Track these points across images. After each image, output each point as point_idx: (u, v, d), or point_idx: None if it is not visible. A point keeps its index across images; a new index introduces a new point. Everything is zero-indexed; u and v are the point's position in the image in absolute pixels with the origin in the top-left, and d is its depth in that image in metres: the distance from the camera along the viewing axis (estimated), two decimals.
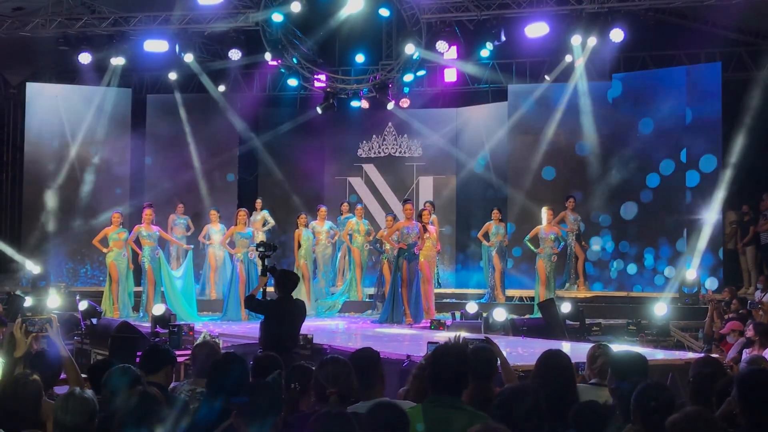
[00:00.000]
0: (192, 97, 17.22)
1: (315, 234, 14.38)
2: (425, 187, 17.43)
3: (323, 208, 14.87)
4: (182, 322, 10.54)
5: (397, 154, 17.64)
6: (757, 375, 3.70)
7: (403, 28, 15.44)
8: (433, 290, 13.43)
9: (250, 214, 14.67)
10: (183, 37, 15.34)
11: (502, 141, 16.52)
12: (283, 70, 16.31)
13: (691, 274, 13.35)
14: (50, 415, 3.84)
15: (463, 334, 6.08)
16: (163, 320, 10.21)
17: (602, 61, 15.38)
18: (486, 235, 14.42)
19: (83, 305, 11.04)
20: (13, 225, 17.45)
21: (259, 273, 8.43)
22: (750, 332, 8.62)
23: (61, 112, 16.68)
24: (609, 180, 15.40)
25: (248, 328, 10.89)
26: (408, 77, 15.87)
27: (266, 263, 8.44)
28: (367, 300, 14.59)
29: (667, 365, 7.80)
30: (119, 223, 13.40)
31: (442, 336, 8.72)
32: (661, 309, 11.51)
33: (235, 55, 15.37)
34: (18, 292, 12.55)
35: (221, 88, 16.86)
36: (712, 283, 13.82)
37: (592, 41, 14.21)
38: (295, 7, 14.59)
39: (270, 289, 8.24)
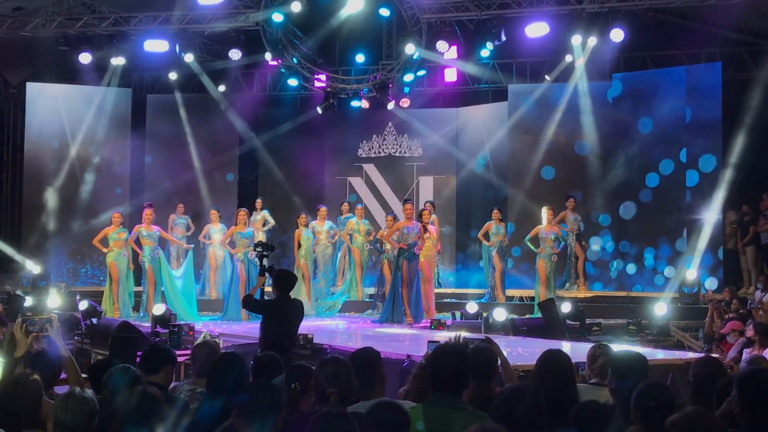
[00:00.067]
0: (192, 97, 17.22)
1: (315, 234, 14.38)
2: (425, 187, 17.43)
3: (323, 208, 14.87)
4: (182, 322, 10.54)
5: (397, 154, 17.64)
6: (757, 375, 3.70)
7: (404, 28, 15.44)
8: (434, 290, 13.43)
9: (250, 214, 14.67)
10: (183, 37, 15.34)
11: (502, 141, 16.51)
12: (283, 70, 16.31)
13: (691, 274, 13.35)
14: (50, 414, 3.84)
15: (464, 333, 6.08)
16: (163, 320, 10.21)
17: (602, 61, 15.38)
18: (486, 235, 14.42)
19: (83, 305, 11.04)
20: (13, 225, 17.46)
21: (258, 273, 8.45)
22: (750, 332, 8.62)
23: (61, 112, 16.69)
24: (609, 180, 15.41)
25: (248, 328, 10.89)
26: (408, 77, 15.87)
27: (264, 263, 8.45)
28: (367, 300, 14.59)
29: (667, 365, 7.80)
30: (119, 223, 13.40)
31: (443, 336, 8.72)
32: (661, 309, 11.52)
33: (235, 55, 15.37)
34: (18, 292, 12.54)
35: (221, 88, 16.86)
36: (712, 283, 13.82)
37: (593, 41, 14.21)
38: (296, 7, 14.59)
39: (269, 288, 8.24)
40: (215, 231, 14.55)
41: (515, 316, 11.82)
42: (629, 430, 3.72)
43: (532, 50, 15.58)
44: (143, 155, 17.41)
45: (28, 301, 11.74)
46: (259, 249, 8.78)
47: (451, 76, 16.63)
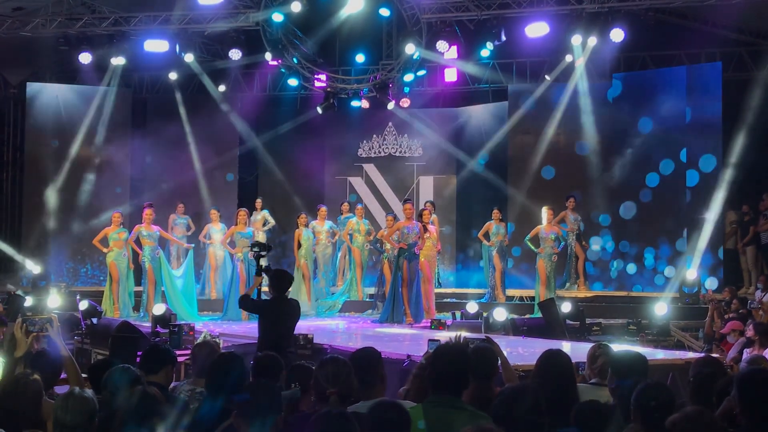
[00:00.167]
0: (192, 97, 17.22)
1: (315, 234, 14.38)
2: (425, 187, 17.43)
3: (323, 208, 14.87)
4: (182, 322, 10.54)
5: (397, 154, 17.64)
6: (757, 375, 3.70)
7: (404, 28, 15.43)
8: (434, 290, 13.44)
9: (251, 214, 14.67)
10: (183, 37, 15.34)
11: (502, 141, 16.52)
12: (283, 70, 16.30)
13: (691, 273, 13.35)
14: (51, 414, 3.84)
15: (464, 333, 6.08)
16: (163, 320, 10.22)
17: (602, 61, 15.37)
18: (486, 235, 14.43)
19: (83, 305, 11.05)
20: (13, 225, 17.45)
21: (255, 273, 8.46)
22: (750, 332, 8.62)
23: (61, 112, 16.71)
24: (609, 180, 15.42)
25: (248, 328, 10.89)
26: (408, 77, 15.87)
27: (261, 263, 8.46)
28: (367, 300, 14.59)
29: (668, 365, 7.80)
30: (119, 223, 13.39)
31: (443, 336, 8.73)
32: (661, 309, 11.52)
33: (235, 55, 15.36)
34: (18, 292, 12.56)
35: (221, 88, 16.86)
36: (712, 283, 13.83)
37: (593, 41, 14.21)
38: (296, 7, 14.58)
39: (267, 288, 8.24)
40: (215, 231, 14.56)
41: (515, 316, 11.82)
42: (628, 429, 3.72)
43: (532, 50, 15.58)
44: (143, 155, 17.42)
45: (29, 301, 11.75)
46: (256, 249, 8.79)
47: (451, 76, 16.63)
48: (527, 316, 12.81)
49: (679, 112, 14.90)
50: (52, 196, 16.34)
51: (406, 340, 10.28)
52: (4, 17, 15.22)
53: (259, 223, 15.51)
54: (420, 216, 12.86)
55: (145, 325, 10.77)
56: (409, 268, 12.39)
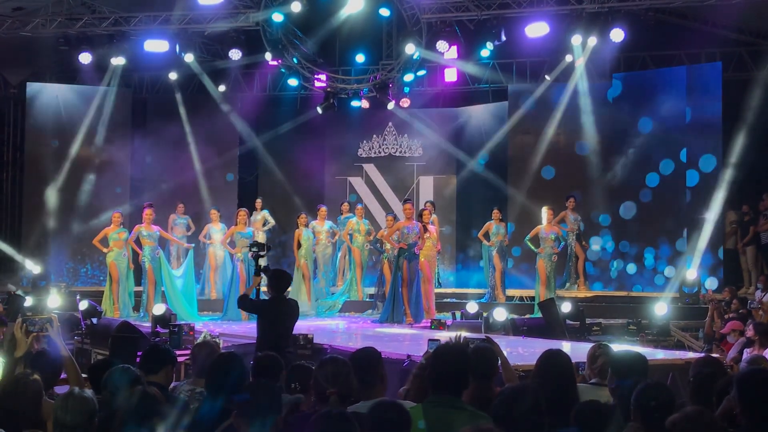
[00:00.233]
0: (192, 97, 17.22)
1: (315, 234, 14.38)
2: (425, 187, 17.43)
3: (323, 208, 14.87)
4: (182, 322, 10.54)
5: (397, 154, 17.64)
6: (757, 375, 3.70)
7: (404, 28, 15.43)
8: (434, 290, 13.43)
9: (251, 214, 14.67)
10: (183, 37, 15.33)
11: (502, 141, 16.52)
12: (283, 70, 16.30)
13: (691, 273, 13.35)
14: (51, 414, 3.85)
15: (464, 333, 6.08)
16: (163, 320, 10.21)
17: (602, 61, 15.37)
18: (486, 235, 14.43)
19: (83, 305, 11.05)
20: (13, 225, 17.45)
21: (253, 273, 8.47)
22: (750, 332, 8.62)
23: (61, 112, 16.71)
24: (609, 180, 15.42)
25: (248, 328, 10.87)
26: (408, 77, 15.86)
27: (260, 263, 8.47)
28: (367, 300, 14.59)
29: (668, 365, 7.80)
30: (119, 223, 13.39)
31: (443, 336, 8.73)
32: (661, 309, 11.52)
33: (235, 55, 15.36)
34: (18, 292, 12.56)
35: (221, 88, 16.86)
36: (711, 283, 13.83)
37: (593, 41, 14.20)
38: (296, 7, 14.58)
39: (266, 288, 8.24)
40: (215, 231, 14.56)
41: (515, 316, 11.82)
42: (628, 428, 3.72)
43: (532, 50, 15.57)
44: (143, 155, 17.43)
45: (29, 301, 11.74)
46: (254, 249, 8.80)
47: (451, 76, 16.62)
48: (527, 316, 12.81)
49: (679, 112, 14.90)
50: (52, 196, 16.34)
51: (406, 340, 10.28)
52: (4, 17, 15.22)
53: (259, 223, 15.51)
54: (420, 216, 12.86)
55: (145, 325, 10.77)
56: (409, 268, 12.38)
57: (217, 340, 8.61)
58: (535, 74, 16.19)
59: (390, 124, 17.59)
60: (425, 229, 12.73)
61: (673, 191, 14.91)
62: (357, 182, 17.69)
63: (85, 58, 15.30)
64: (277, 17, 14.89)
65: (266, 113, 17.92)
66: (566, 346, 8.28)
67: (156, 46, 15.32)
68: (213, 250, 14.63)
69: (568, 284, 14.75)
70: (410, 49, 14.93)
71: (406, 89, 16.41)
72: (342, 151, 17.92)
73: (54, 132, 16.69)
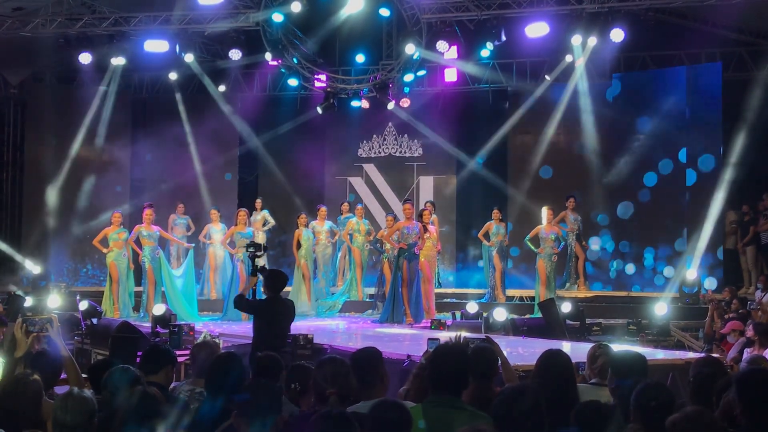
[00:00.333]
0: (192, 97, 17.22)
1: (315, 234, 14.38)
2: (425, 187, 17.43)
3: (323, 208, 14.87)
4: (182, 322, 10.54)
5: (397, 154, 17.64)
6: (757, 375, 3.70)
7: (404, 28, 15.42)
8: (434, 290, 13.43)
9: (251, 214, 14.67)
10: (183, 37, 15.33)
11: (502, 141, 16.51)
12: (283, 70, 16.29)
13: (691, 273, 13.35)
14: (50, 414, 3.84)
15: (464, 333, 6.08)
16: (163, 320, 10.21)
17: (602, 61, 15.37)
18: (486, 235, 14.42)
19: (84, 305, 11.04)
20: (13, 225, 17.44)
21: (249, 273, 8.49)
22: (750, 332, 8.61)
23: (61, 112, 16.70)
24: (609, 180, 15.42)
25: (248, 329, 10.76)
26: (408, 77, 15.85)
27: (256, 263, 8.48)
28: (367, 300, 14.59)
29: (668, 365, 7.80)
30: (119, 223, 13.38)
31: (443, 335, 8.73)
32: (661, 309, 11.52)
33: (235, 55, 15.35)
34: (18, 292, 12.55)
35: (221, 88, 16.85)
36: (711, 283, 13.83)
37: (593, 41, 14.19)
38: (296, 7, 14.57)
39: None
40: (215, 231, 14.55)
41: (515, 316, 11.82)
42: (628, 429, 3.72)
43: (532, 50, 15.56)
44: (143, 155, 17.43)
45: (29, 301, 11.74)
46: (251, 249, 8.82)
47: (451, 76, 16.61)
48: (527, 316, 12.81)
49: (678, 112, 14.90)
50: (52, 196, 16.35)
51: (406, 340, 10.28)
52: (4, 17, 15.22)
53: (259, 223, 15.51)
54: (420, 216, 12.86)
55: (145, 326, 10.77)
56: (409, 268, 12.38)
57: (217, 341, 8.60)
58: (535, 74, 16.19)
59: (390, 124, 17.58)
60: (425, 229, 12.73)
61: (673, 191, 14.91)
62: (357, 182, 17.68)
63: (85, 58, 15.29)
64: (277, 17, 14.88)
65: (266, 113, 17.90)
66: (566, 346, 8.28)
67: (156, 46, 15.31)
68: (213, 250, 14.62)
69: (568, 284, 14.75)
70: (410, 49, 14.92)
71: (406, 89, 16.40)
72: (342, 151, 17.91)
73: (54, 132, 16.70)
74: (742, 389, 3.58)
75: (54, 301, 12.19)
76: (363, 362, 4.28)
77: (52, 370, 4.86)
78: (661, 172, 15.10)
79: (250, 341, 9.22)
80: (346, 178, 17.76)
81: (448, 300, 14.89)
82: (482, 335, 7.33)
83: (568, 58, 15.07)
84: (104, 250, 13.26)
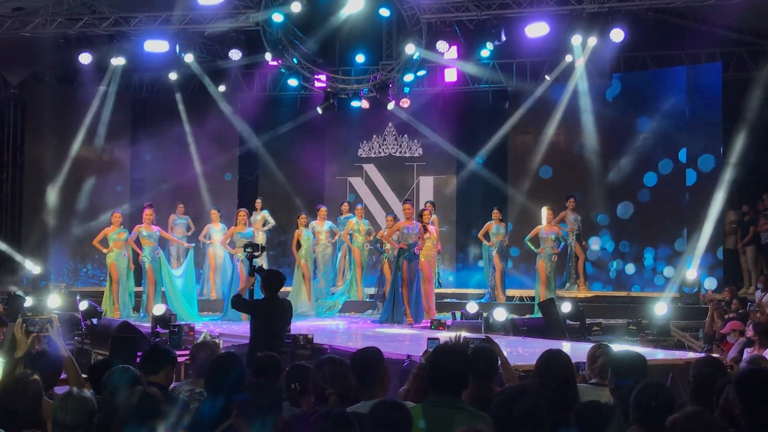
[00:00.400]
0: (192, 97, 17.22)
1: (315, 234, 14.38)
2: (425, 187, 17.43)
3: (323, 208, 14.87)
4: (182, 323, 10.54)
5: (397, 154, 17.64)
6: (756, 374, 3.70)
7: (404, 28, 15.42)
8: (434, 290, 13.43)
9: (250, 214, 14.67)
10: (183, 37, 15.33)
11: (502, 141, 16.52)
12: (283, 70, 16.29)
13: (691, 273, 13.35)
14: (51, 414, 3.84)
15: (464, 333, 6.08)
16: (163, 320, 10.21)
17: (602, 61, 15.37)
18: (486, 235, 14.42)
19: (84, 305, 11.04)
20: (13, 225, 17.45)
21: (247, 273, 8.50)
22: (750, 332, 8.61)
23: (61, 112, 16.71)
24: (609, 180, 15.42)
25: (248, 329, 10.83)
26: (408, 77, 15.85)
27: (254, 263, 8.49)
28: (367, 300, 14.58)
29: (668, 365, 7.80)
30: (119, 223, 13.38)
31: (443, 335, 8.73)
32: (661, 309, 11.52)
33: (235, 55, 15.35)
34: (18, 292, 12.54)
35: (221, 88, 16.85)
36: (711, 283, 13.83)
37: (593, 41, 14.19)
38: (296, 7, 14.57)
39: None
40: (215, 231, 14.55)
41: (515, 316, 11.82)
42: (629, 430, 3.72)
43: (532, 50, 15.56)
44: (143, 155, 17.43)
45: (29, 302, 11.73)
46: (249, 250, 8.83)
47: (451, 76, 16.61)
48: (527, 316, 12.81)
49: (678, 112, 14.90)
50: (52, 196, 16.35)
51: (406, 340, 10.28)
52: (4, 17, 15.22)
53: (259, 223, 15.51)
54: (420, 216, 12.86)
55: (145, 326, 10.76)
56: (409, 269, 12.38)
57: (217, 341, 8.60)
58: (535, 74, 16.19)
59: (390, 124, 17.58)
60: (425, 230, 12.73)
61: (673, 191, 14.92)
62: (357, 182, 17.68)
63: (85, 58, 15.29)
64: (277, 17, 14.88)
65: (266, 113, 17.90)
66: (566, 346, 8.28)
67: (156, 46, 15.30)
68: (213, 251, 14.62)
69: (568, 284, 14.75)
70: (410, 49, 14.92)
71: (406, 89, 16.40)
72: (342, 152, 17.91)
73: (54, 132, 16.70)
74: (742, 389, 3.58)
75: (54, 301, 12.19)
76: (363, 362, 4.28)
77: (52, 370, 4.86)
78: (661, 172, 15.11)
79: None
80: (346, 178, 17.76)
81: (448, 300, 14.89)
82: (482, 335, 7.33)
83: (568, 58, 15.07)
84: (104, 251, 13.25)
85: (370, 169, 17.68)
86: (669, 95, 14.99)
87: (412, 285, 12.38)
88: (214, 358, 4.56)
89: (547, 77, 15.74)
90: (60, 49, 15.48)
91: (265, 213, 15.80)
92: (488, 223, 14.41)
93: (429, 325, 11.55)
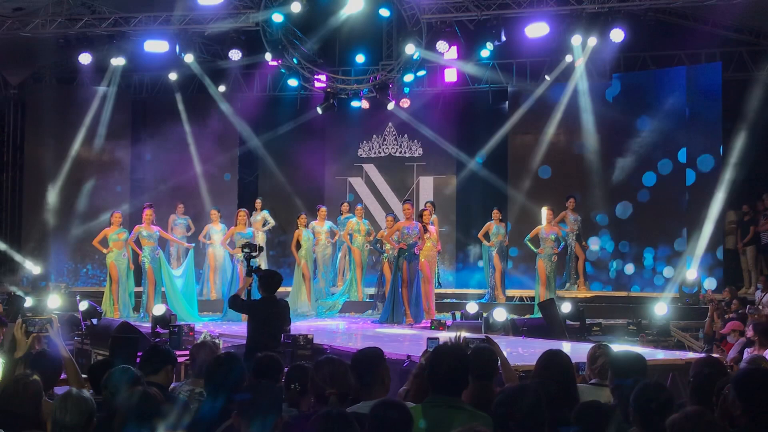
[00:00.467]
0: (192, 97, 17.22)
1: (315, 234, 14.37)
2: (425, 187, 17.43)
3: (323, 208, 14.87)
4: (182, 323, 10.54)
5: (397, 154, 17.64)
6: (756, 375, 3.69)
7: (404, 28, 15.43)
8: (434, 290, 13.43)
9: (250, 215, 14.66)
10: (183, 37, 15.33)
11: (502, 141, 16.52)
12: (283, 71, 16.30)
13: (691, 274, 13.35)
14: (51, 415, 3.85)
15: (464, 334, 6.07)
16: (163, 320, 10.21)
17: (602, 61, 15.39)
18: (486, 235, 14.42)
19: (84, 305, 11.04)
20: (13, 225, 17.46)
21: (245, 273, 8.50)
22: (750, 332, 8.61)
23: (61, 112, 16.71)
24: (608, 180, 15.42)
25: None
26: (408, 77, 15.86)
27: (251, 264, 8.49)
28: (367, 300, 14.58)
29: (668, 365, 7.80)
30: (119, 223, 13.37)
31: (443, 336, 8.73)
32: (661, 309, 11.50)
33: (235, 55, 15.36)
34: (18, 293, 12.53)
35: (221, 88, 16.86)
36: (711, 283, 13.83)
37: (593, 41, 14.20)
38: (296, 8, 14.58)
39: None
40: (215, 231, 14.55)
41: (515, 317, 11.82)
42: (629, 431, 3.72)
43: (532, 50, 15.56)
44: (143, 155, 17.43)
45: (29, 302, 11.71)
46: (246, 250, 8.83)
47: (451, 76, 16.62)
48: (527, 316, 12.81)
49: (678, 112, 14.91)
50: (52, 196, 16.35)
51: (406, 340, 10.27)
52: (4, 17, 15.22)
53: (259, 223, 15.50)
54: (420, 216, 12.86)
55: (145, 326, 10.76)
56: (409, 269, 12.38)
57: (217, 341, 8.60)
58: (535, 74, 16.19)
59: (390, 124, 17.58)
60: (425, 230, 12.73)
61: (673, 191, 14.92)
62: (357, 182, 17.68)
63: (85, 58, 15.31)
64: (277, 17, 14.89)
65: (266, 113, 17.91)
66: (566, 347, 8.29)
67: (156, 46, 15.31)
68: (213, 251, 14.62)
69: (568, 284, 14.75)
70: (410, 49, 14.93)
71: (406, 89, 16.41)
72: (342, 152, 17.91)
73: (54, 132, 16.70)
74: (742, 389, 3.57)
75: (54, 301, 12.18)
76: (364, 362, 4.28)
77: (52, 370, 4.86)
78: (661, 172, 15.11)
79: None
80: (346, 178, 17.77)
81: (448, 300, 14.89)
82: (482, 335, 7.33)
83: (568, 58, 15.08)
84: (104, 251, 13.24)
85: (370, 169, 17.68)
86: (669, 95, 14.99)
87: (412, 285, 12.38)
88: (214, 359, 4.56)
89: (547, 77, 15.75)
90: (60, 49, 15.50)
91: (265, 213, 15.80)
92: (488, 223, 14.41)
93: (429, 325, 11.54)
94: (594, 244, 15.64)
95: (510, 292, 14.79)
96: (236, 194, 17.47)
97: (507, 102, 16.64)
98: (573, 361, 4.65)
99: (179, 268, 13.58)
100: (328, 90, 16.20)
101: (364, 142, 17.72)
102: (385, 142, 17.66)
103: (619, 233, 15.51)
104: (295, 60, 15.89)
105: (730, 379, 3.84)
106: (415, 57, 15.24)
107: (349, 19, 15.24)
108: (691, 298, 13.05)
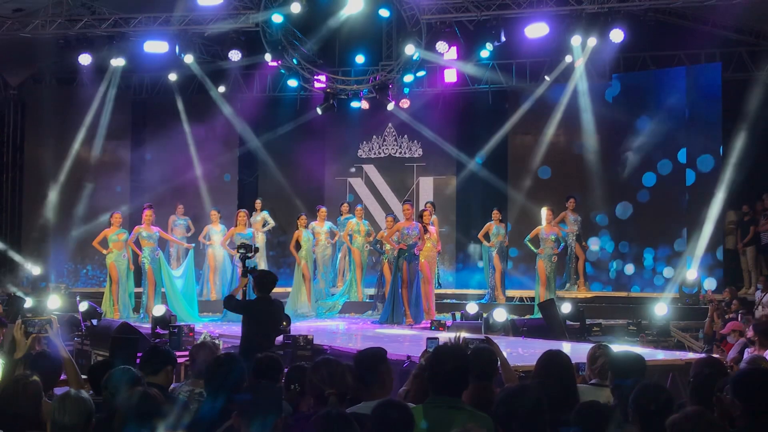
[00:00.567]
0: (192, 98, 17.22)
1: (315, 235, 14.36)
2: (425, 188, 17.43)
3: (323, 209, 14.86)
4: (182, 323, 10.54)
5: (397, 155, 17.64)
6: (756, 375, 3.70)
7: (403, 29, 15.43)
8: (434, 291, 13.43)
9: (250, 215, 14.66)
10: (183, 38, 15.33)
11: (502, 141, 16.52)
12: (283, 71, 16.30)
13: (691, 274, 13.35)
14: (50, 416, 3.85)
15: (464, 334, 6.08)
16: (163, 321, 10.22)
17: (602, 62, 15.39)
18: (486, 236, 14.42)
19: (83, 306, 11.03)
20: (13, 225, 17.46)
21: (240, 274, 8.51)
22: (750, 332, 8.61)
23: (61, 112, 16.71)
24: (608, 180, 15.42)
25: None
26: (408, 78, 15.86)
27: (247, 264, 8.50)
28: (367, 301, 14.58)
29: (668, 365, 7.80)
30: (119, 224, 13.37)
31: (443, 336, 8.73)
32: (661, 309, 11.51)
33: (235, 56, 15.35)
34: (18, 293, 12.54)
35: (221, 89, 16.86)
36: (711, 284, 13.83)
37: (592, 41, 14.20)
38: (295, 8, 14.58)
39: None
40: (215, 232, 14.54)
41: (515, 317, 11.82)
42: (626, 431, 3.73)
43: (532, 51, 15.55)
44: (143, 156, 17.43)
45: (28, 303, 11.71)
46: (241, 251, 8.85)
47: (450, 76, 16.61)
48: (527, 316, 12.81)
49: (678, 112, 14.91)
50: (52, 197, 16.35)
51: (405, 341, 10.27)
52: (4, 18, 15.23)
53: (259, 224, 15.50)
54: (420, 217, 12.86)
55: (145, 327, 10.77)
56: (409, 269, 12.37)
57: (217, 341, 8.61)
58: (535, 75, 16.20)
59: (390, 124, 17.58)
60: (425, 230, 12.73)
61: (673, 191, 14.92)
62: (357, 183, 17.68)
63: (85, 59, 15.30)
64: (277, 18, 14.89)
65: (266, 114, 17.91)
66: (566, 347, 8.29)
67: (156, 47, 15.31)
68: (212, 251, 14.61)
69: (567, 285, 14.75)
70: (410, 49, 14.93)
71: (406, 90, 16.41)
72: (342, 152, 17.91)
73: (54, 133, 16.71)
74: (741, 389, 3.57)
75: (54, 302, 12.17)
76: (366, 362, 4.28)
77: (51, 371, 4.85)
78: (661, 173, 15.11)
79: None
80: (345, 178, 17.77)
81: (448, 300, 14.88)
82: (482, 336, 7.33)
83: (568, 59, 15.08)
84: (104, 251, 13.24)
85: (370, 169, 17.68)
86: (669, 95, 15.00)
87: (412, 286, 12.38)
88: (214, 359, 4.56)
89: (546, 77, 15.75)
90: (60, 50, 15.49)
91: (265, 214, 15.80)
92: (488, 223, 14.40)
93: (429, 325, 11.54)
94: (594, 244, 15.65)
95: (510, 293, 14.78)
96: (236, 195, 17.47)
97: (507, 102, 16.65)
98: (573, 362, 4.65)
99: (179, 269, 13.58)
100: (328, 90, 16.20)
101: (364, 142, 17.72)
102: (384, 143, 17.66)
103: (619, 233, 15.51)
104: (294, 60, 15.89)
105: (730, 380, 3.84)
106: (414, 57, 15.24)
107: (349, 20, 15.24)
108: (691, 299, 13.05)
